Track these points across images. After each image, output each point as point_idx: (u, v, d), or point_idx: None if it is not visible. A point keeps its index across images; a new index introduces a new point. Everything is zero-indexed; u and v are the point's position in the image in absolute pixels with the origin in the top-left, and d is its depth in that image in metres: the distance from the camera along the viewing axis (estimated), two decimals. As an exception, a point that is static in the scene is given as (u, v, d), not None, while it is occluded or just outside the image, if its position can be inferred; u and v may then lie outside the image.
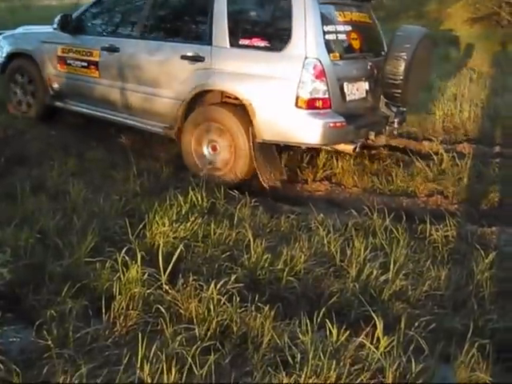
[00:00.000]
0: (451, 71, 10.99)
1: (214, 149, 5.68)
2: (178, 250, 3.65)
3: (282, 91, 5.26)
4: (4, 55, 7.56)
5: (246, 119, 5.40)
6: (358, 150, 5.63)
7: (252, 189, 5.40)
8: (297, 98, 5.15)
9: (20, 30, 8.04)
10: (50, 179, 5.14)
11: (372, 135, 5.72)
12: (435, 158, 6.29)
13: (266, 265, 3.71)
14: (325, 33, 5.35)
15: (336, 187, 5.69)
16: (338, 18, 5.74)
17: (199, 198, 4.69)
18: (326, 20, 5.45)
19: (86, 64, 6.66)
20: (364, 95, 5.86)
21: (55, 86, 7.05)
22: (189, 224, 4.18)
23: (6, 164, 5.58)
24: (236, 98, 5.51)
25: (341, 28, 5.68)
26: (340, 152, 6.20)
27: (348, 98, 5.54)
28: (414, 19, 17.86)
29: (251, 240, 3.96)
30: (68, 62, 6.86)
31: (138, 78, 6.20)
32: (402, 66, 5.52)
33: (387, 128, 5.98)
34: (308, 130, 5.25)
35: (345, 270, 3.81)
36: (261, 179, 5.51)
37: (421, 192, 5.59)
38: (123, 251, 3.54)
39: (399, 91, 5.64)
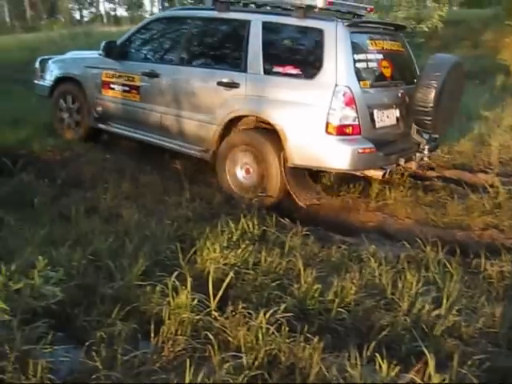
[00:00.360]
0: (507, 102, 10.78)
1: (248, 172, 5.88)
2: (229, 278, 3.64)
3: (313, 117, 5.40)
4: (52, 79, 7.97)
5: (278, 144, 5.57)
6: (387, 175, 5.71)
7: (302, 217, 5.38)
8: (327, 125, 5.29)
9: (68, 55, 8.51)
10: (104, 202, 5.24)
11: (402, 161, 5.78)
12: (491, 190, 6.16)
13: (316, 295, 3.66)
14: (355, 61, 5.50)
15: (388, 218, 5.60)
16: (370, 47, 5.87)
17: (250, 225, 4.69)
18: (356, 49, 5.59)
19: (128, 88, 6.99)
20: (395, 122, 5.96)
21: (99, 109, 7.38)
22: (239, 251, 4.18)
23: (62, 186, 5.76)
24: (269, 124, 5.67)
25: (372, 56, 5.84)
26: (393, 182, 6.20)
27: (378, 125, 5.64)
28: (469, 49, 17.68)
29: (301, 269, 3.93)
30: (111, 86, 7.19)
31: (176, 103, 6.45)
32: (432, 94, 5.56)
33: (417, 155, 6.00)
34: (337, 156, 5.37)
35: (396, 303, 3.73)
36: (297, 200, 5.64)
37: (475, 225, 5.44)
38: (174, 276, 3.55)
39: (429, 118, 5.67)
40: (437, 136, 6.34)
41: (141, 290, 3.56)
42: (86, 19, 58.30)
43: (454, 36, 19.57)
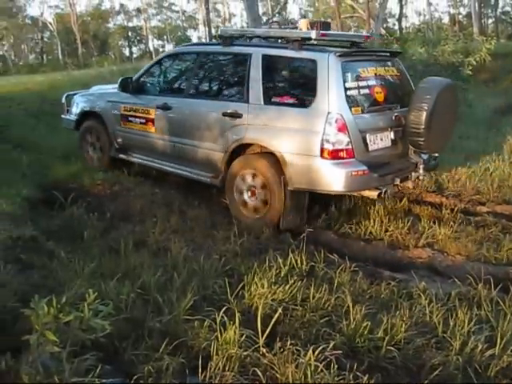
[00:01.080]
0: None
1: (253, 194, 6.17)
2: (277, 314, 3.60)
3: (309, 143, 5.72)
4: (78, 112, 8.58)
5: (279, 168, 5.89)
6: (383, 195, 5.87)
7: (351, 252, 5.32)
8: (322, 150, 5.62)
9: (93, 89, 9.16)
10: (153, 236, 5.30)
11: (397, 181, 6.02)
12: (545, 227, 5.99)
13: (366, 332, 3.60)
14: (346, 89, 5.79)
15: (438, 254, 5.47)
16: (362, 74, 6.15)
17: (298, 261, 4.66)
18: (348, 77, 5.91)
19: (144, 120, 7.45)
20: (389, 144, 6.17)
21: (119, 140, 7.89)
22: (288, 286, 4.14)
23: (112, 219, 5.86)
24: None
25: (364, 83, 6.10)
26: (442, 218, 6.11)
27: (371, 148, 5.91)
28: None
29: (350, 306, 3.87)
30: (129, 119, 7.68)
31: (187, 133, 6.88)
32: (423, 116, 5.84)
33: (413, 174, 6.23)
34: (333, 179, 5.68)
35: (447, 341, 3.62)
36: (281, 223, 5.93)
37: (529, 262, 5.29)
38: (222, 311, 3.54)
39: (423, 139, 5.93)
40: (436, 155, 6.67)
41: (189, 325, 3.56)
42: (135, 56, 59.66)
43: (502, 68, 19.38)
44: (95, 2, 62.31)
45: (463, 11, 58.84)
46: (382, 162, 6.06)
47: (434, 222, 6.05)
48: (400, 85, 6.73)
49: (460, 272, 4.91)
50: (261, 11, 25.60)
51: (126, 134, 7.79)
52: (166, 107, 7.09)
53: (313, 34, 6.07)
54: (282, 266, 4.54)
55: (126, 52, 63.72)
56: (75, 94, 9.02)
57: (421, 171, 6.27)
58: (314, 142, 5.67)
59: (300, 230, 5.81)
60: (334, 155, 5.62)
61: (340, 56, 5.88)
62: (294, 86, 6.37)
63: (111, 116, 7.97)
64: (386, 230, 5.85)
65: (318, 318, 3.80)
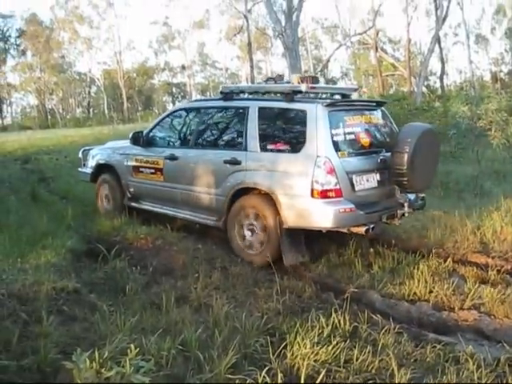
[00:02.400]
0: None
1: (253, 231, 6.77)
2: (321, 376, 3.52)
3: (300, 185, 6.32)
4: (93, 165, 9.27)
5: (275, 208, 6.49)
6: (370, 232, 6.33)
7: (395, 313, 5.21)
8: (312, 190, 6.21)
9: (108, 144, 9.87)
10: (194, 292, 5.28)
11: (384, 218, 6.58)
12: None
13: (412, 398, 3.49)
14: (333, 135, 6.41)
15: (485, 317, 5.30)
16: (348, 122, 6.72)
17: (341, 321, 4.57)
18: (334, 125, 6.50)
19: (153, 171, 8.15)
20: (376, 185, 6.73)
21: (131, 190, 8.56)
22: (330, 347, 4.06)
23: (154, 274, 5.89)
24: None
25: (349, 130, 6.69)
26: (488, 279, 5.98)
27: (357, 188, 6.47)
28: None
29: (395, 369, 3.77)
30: (140, 169, 8.38)
31: (192, 180, 7.52)
32: (405, 158, 6.42)
33: (399, 212, 6.72)
34: (322, 216, 6.24)
35: (498, 411, 3.50)
36: (284, 259, 6.45)
37: None
38: (264, 371, 3.48)
39: (406, 179, 6.52)
40: (423, 195, 7.25)
41: (230, 384, 3.50)
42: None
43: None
44: (141, 59, 64.10)
45: (505, 69, 58.71)
46: (369, 201, 6.58)
47: (480, 284, 5.90)
48: (385, 131, 7.28)
49: (509, 336, 4.74)
50: (303, 69, 25.96)
51: (137, 183, 8.45)
52: (173, 158, 7.79)
53: (303, 87, 6.76)
54: (324, 325, 4.45)
55: (170, 107, 65.00)
56: (91, 149, 9.74)
57: (406, 209, 6.75)
58: (304, 183, 6.27)
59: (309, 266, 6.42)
60: (323, 195, 6.20)
61: (327, 106, 6.53)
62: (286, 134, 6.94)
63: (124, 168, 8.65)
64: (431, 291, 5.72)
65: (362, 381, 3.71)
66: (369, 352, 4.07)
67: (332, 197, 6.24)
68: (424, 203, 7.36)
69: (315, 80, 7.28)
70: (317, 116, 6.43)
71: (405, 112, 18.46)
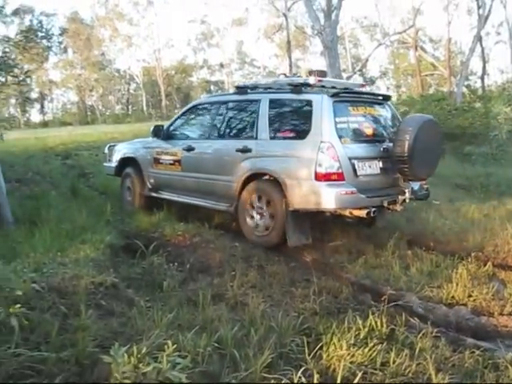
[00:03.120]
0: None
1: (262, 215, 7.28)
2: (357, 378, 3.50)
3: (305, 169, 6.79)
4: (118, 159, 10.02)
5: (282, 192, 6.95)
6: (372, 214, 6.76)
7: (433, 317, 5.14)
8: (315, 173, 6.68)
9: (134, 141, 10.52)
10: (231, 290, 5.29)
11: (385, 203, 6.96)
12: None
13: (450, 403, 3.44)
14: (337, 123, 6.88)
15: (526, 323, 5.23)
16: (351, 112, 7.25)
17: (378, 323, 4.53)
18: (338, 113, 6.98)
19: (172, 162, 8.80)
20: (378, 171, 7.18)
21: (151, 181, 9.25)
22: (367, 349, 4.02)
23: (191, 271, 5.92)
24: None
25: (353, 119, 7.22)
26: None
27: (359, 173, 6.90)
28: None
29: (433, 374, 3.72)
30: (160, 161, 9.07)
31: (207, 169, 8.13)
32: (405, 146, 6.90)
33: (399, 197, 7.11)
34: (325, 198, 6.67)
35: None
36: (288, 240, 6.92)
37: None
38: (300, 371, 3.47)
39: (407, 166, 7.00)
40: (427, 186, 7.67)
41: (265, 383, 3.49)
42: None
43: None
44: (180, 56, 64.48)
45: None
46: (371, 186, 7.05)
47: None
48: (389, 123, 7.78)
49: (551, 343, 4.66)
50: (341, 68, 25.81)
51: (157, 174, 9.15)
52: (190, 149, 8.44)
53: (311, 80, 7.31)
54: (361, 327, 4.41)
55: (208, 105, 65.25)
56: (116, 145, 10.52)
57: (407, 195, 7.15)
58: (309, 167, 6.74)
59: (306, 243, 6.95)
60: (326, 178, 6.67)
61: (332, 96, 7.02)
62: (293, 123, 7.40)
63: (145, 160, 9.36)
64: (470, 295, 5.64)
65: (399, 385, 3.66)
66: (406, 355, 4.02)
67: (334, 180, 6.70)
68: (428, 193, 7.72)
69: (322, 74, 7.92)
70: (322, 105, 6.92)
71: (444, 112, 18.25)
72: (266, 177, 7.30)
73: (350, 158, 6.80)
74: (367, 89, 9.25)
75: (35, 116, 63.59)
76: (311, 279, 5.64)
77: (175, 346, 3.47)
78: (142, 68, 62.41)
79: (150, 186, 9.27)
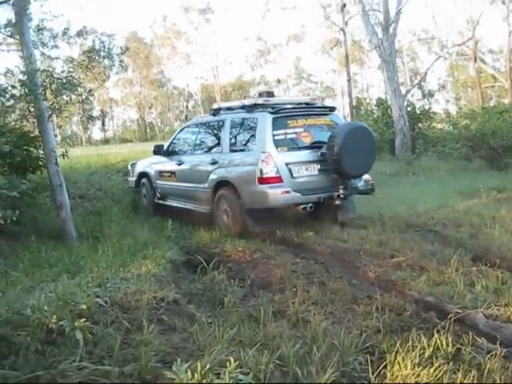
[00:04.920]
0: None
1: (227, 214, 8.91)
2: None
3: (251, 174, 8.41)
4: (136, 174, 12.10)
5: (238, 195, 8.65)
6: (308, 209, 8.44)
7: (501, 337, 4.97)
8: (258, 178, 8.30)
9: (147, 159, 12.25)
10: (292, 306, 5.23)
11: (321, 199, 8.48)
12: None
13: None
14: (274, 135, 8.47)
15: None
16: (290, 125, 8.72)
17: (443, 342, 4.40)
18: (277, 127, 8.55)
19: (170, 174, 10.82)
20: (316, 173, 8.64)
21: (159, 190, 11.21)
22: (432, 369, 3.91)
23: (251, 286, 5.91)
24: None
25: (291, 131, 8.71)
26: None
27: (295, 175, 8.45)
28: None
29: (503, 397, 3.59)
30: (163, 174, 11.13)
31: (192, 179, 9.89)
32: (335, 150, 8.33)
33: (335, 194, 8.51)
34: (266, 198, 8.27)
35: None
36: (250, 228, 8.51)
37: None
38: (364, 391, 3.40)
39: (338, 167, 8.43)
40: (372, 182, 9.21)
41: (329, 402, 3.44)
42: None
43: None
44: (237, 73, 64.99)
45: None
46: (309, 186, 8.53)
47: None
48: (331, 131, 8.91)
49: None
50: (399, 81, 25.59)
51: (162, 185, 11.11)
52: (180, 163, 10.40)
53: (259, 101, 9.06)
54: (426, 346, 4.29)
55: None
56: (136, 163, 12.45)
57: (340, 191, 8.51)
58: (254, 173, 8.33)
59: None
60: (267, 181, 8.27)
61: (272, 113, 8.61)
62: (246, 137, 9.15)
63: (153, 174, 11.41)
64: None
65: (466, 407, 3.55)
66: (473, 376, 3.90)
67: (273, 182, 8.26)
68: (373, 188, 9.24)
69: (270, 94, 9.65)
70: (264, 121, 8.57)
71: (507, 125, 17.83)
72: (227, 183, 8.90)
73: (286, 164, 8.38)
74: (319, 103, 11.19)
75: (96, 133, 65.27)
76: (373, 296, 5.53)
77: (237, 362, 3.46)
78: (200, 85, 63.18)
79: (158, 195, 11.24)
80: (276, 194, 8.16)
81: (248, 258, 7.02)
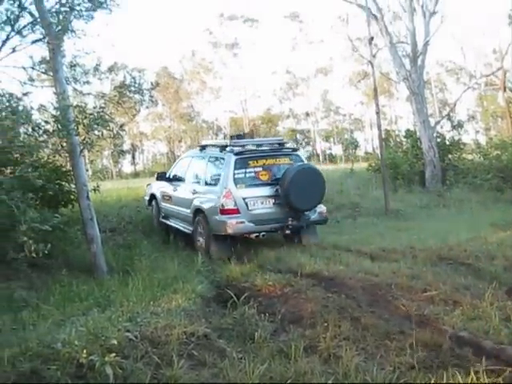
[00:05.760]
0: None
1: (202, 237, 10.43)
2: None
3: (215, 206, 10.01)
4: (148, 194, 14.00)
5: (208, 222, 10.21)
6: (260, 237, 10.05)
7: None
8: (219, 209, 9.86)
9: (156, 182, 13.75)
10: (323, 341, 5.16)
11: (274, 229, 10.05)
12: None
13: None
14: (235, 174, 10.02)
15: None
16: (251, 164, 10.20)
17: (481, 380, 4.28)
18: (238, 167, 10.08)
19: (168, 198, 12.51)
20: (271, 206, 10.09)
21: (163, 210, 12.94)
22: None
23: (282, 321, 5.85)
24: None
25: (250, 170, 10.18)
26: None
27: (251, 208, 9.93)
28: None
29: None
30: (164, 197, 12.79)
31: (182, 203, 11.49)
32: (284, 187, 9.85)
33: (286, 225, 9.98)
34: (225, 226, 9.73)
35: None
36: (210, 253, 9.89)
37: None
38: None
39: (287, 201, 9.90)
40: (325, 214, 10.65)
41: None
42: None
43: None
44: (266, 106, 65.36)
45: None
46: (264, 217, 9.96)
47: None
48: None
49: None
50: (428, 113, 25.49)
51: (164, 207, 12.82)
52: (175, 189, 12.07)
53: (228, 143, 10.70)
54: (462, 384, 4.20)
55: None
56: (151, 184, 14.25)
57: (289, 222, 9.95)
58: (217, 205, 9.93)
59: None
60: (226, 212, 9.80)
61: (235, 154, 10.14)
62: (216, 173, 10.66)
63: (159, 196, 13.16)
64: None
65: None
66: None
67: (232, 213, 9.78)
68: (325, 219, 10.78)
69: (240, 136, 11.27)
70: (228, 161, 10.13)
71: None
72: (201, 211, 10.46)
73: (243, 198, 9.86)
74: (288, 144, 12.72)
75: (127, 167, 65.82)
76: (406, 331, 5.42)
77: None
78: (230, 118, 63.59)
79: (162, 215, 12.96)
80: (232, 224, 9.64)
81: (278, 292, 6.93)
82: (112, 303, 6.27)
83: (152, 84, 12.11)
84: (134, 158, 67.80)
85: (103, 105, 9.61)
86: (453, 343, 5.30)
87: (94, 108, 9.21)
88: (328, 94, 65.46)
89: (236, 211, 9.75)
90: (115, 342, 4.59)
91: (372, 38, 17.20)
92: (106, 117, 8.93)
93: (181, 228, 11.50)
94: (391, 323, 5.86)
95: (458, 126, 46.87)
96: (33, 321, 5.89)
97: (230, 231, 9.61)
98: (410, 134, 23.92)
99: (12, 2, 9.47)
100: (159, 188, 13.13)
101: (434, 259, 8.64)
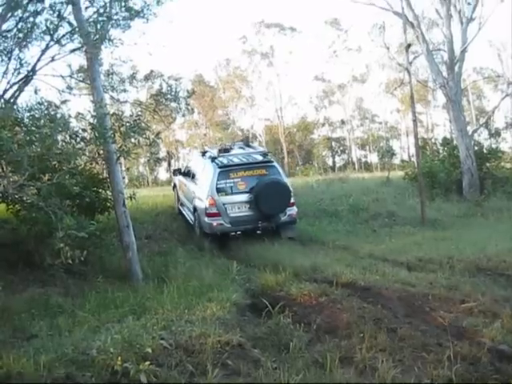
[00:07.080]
0: None
1: (200, 228, 12.64)
2: None
3: (203, 208, 12.18)
4: (173, 182, 17.27)
5: (200, 220, 12.64)
6: (236, 234, 12.12)
7: None
8: (205, 213, 12.09)
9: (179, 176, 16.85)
10: (359, 352, 5.08)
11: (248, 229, 12.00)
12: None
13: None
14: (217, 184, 12.20)
15: None
16: (231, 176, 12.35)
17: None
18: (220, 178, 12.26)
19: (181, 189, 15.19)
20: (246, 210, 12.23)
21: (180, 198, 15.52)
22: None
23: (317, 332, 5.79)
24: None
25: (230, 180, 12.33)
26: None
27: (229, 212, 12.14)
28: None
29: None
30: (180, 186, 15.48)
31: (188, 197, 14.05)
32: (254, 195, 12.03)
33: (257, 226, 12.11)
34: (209, 226, 12.07)
35: None
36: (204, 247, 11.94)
37: None
38: None
39: (257, 207, 11.99)
40: (295, 218, 12.70)
41: None
42: (338, 165, 60.78)
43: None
44: (301, 114, 65.17)
45: None
46: (240, 220, 12.08)
47: None
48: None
49: None
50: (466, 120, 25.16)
51: (179, 194, 15.59)
52: (185, 184, 14.52)
53: (215, 154, 12.92)
54: (501, 398, 4.10)
55: (329, 162, 65.09)
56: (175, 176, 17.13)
57: (259, 224, 12.04)
58: (204, 207, 12.10)
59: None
60: (210, 215, 12.06)
61: (219, 167, 12.36)
62: (207, 179, 12.56)
63: (177, 186, 16.02)
64: None
65: None
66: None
67: (214, 216, 12.02)
68: (294, 220, 12.74)
69: (226, 149, 13.31)
70: (214, 172, 12.32)
71: None
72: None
73: (223, 204, 12.12)
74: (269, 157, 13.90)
75: (162, 174, 66.14)
76: (444, 343, 5.30)
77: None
78: (265, 126, 63.59)
79: (179, 202, 15.61)
80: (213, 225, 12.01)
81: (314, 301, 6.88)
82: (147, 310, 6.30)
83: (188, 92, 12.27)
84: (169, 165, 68.17)
85: (140, 113, 9.68)
86: (492, 357, 5.18)
87: (131, 116, 9.27)
88: (363, 101, 65.05)
89: (218, 214, 12.07)
90: (150, 349, 4.61)
91: (409, 46, 17.07)
92: (143, 125, 8.99)
93: (186, 216, 14.29)
94: (428, 335, 5.75)
95: (496, 134, 46.18)
96: (68, 327, 5.95)
97: (212, 230, 12.02)
98: (446, 142, 23.64)
99: (51, 12, 9.57)
100: (179, 179, 15.97)
101: (472, 270, 8.50)
